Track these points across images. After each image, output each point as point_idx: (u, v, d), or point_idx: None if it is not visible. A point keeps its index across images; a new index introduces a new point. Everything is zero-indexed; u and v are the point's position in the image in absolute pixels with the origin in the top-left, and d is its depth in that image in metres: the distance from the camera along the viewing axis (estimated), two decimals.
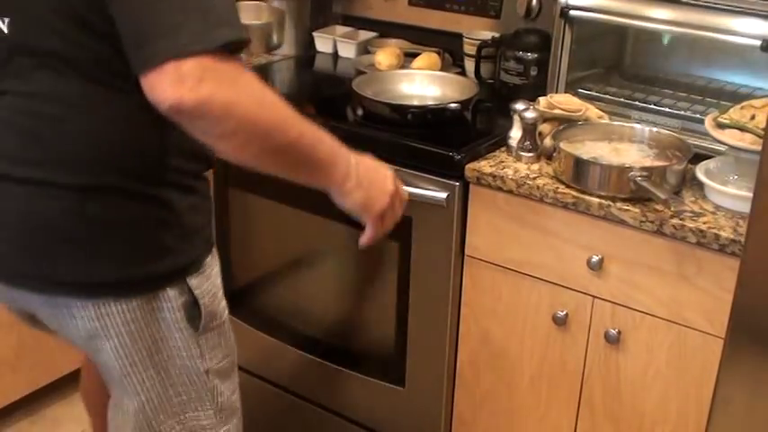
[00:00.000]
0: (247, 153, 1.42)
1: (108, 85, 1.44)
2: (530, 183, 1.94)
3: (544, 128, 2.05)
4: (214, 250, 1.67)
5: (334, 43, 2.77)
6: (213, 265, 1.66)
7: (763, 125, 1.79)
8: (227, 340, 1.73)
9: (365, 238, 1.70)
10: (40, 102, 1.46)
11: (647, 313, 1.89)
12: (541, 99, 2.06)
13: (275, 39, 2.32)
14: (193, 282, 1.59)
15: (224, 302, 1.70)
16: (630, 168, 1.83)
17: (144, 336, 1.58)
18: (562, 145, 1.93)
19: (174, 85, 1.30)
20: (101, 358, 1.62)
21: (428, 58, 2.55)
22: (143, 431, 1.67)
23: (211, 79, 1.31)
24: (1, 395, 2.74)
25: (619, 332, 1.93)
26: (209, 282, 1.63)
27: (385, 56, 2.56)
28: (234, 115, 1.35)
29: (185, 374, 1.65)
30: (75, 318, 1.56)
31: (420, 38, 2.73)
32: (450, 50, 2.65)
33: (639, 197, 1.83)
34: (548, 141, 2.02)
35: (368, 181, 1.61)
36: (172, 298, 1.57)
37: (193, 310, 1.61)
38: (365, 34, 2.82)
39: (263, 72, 2.61)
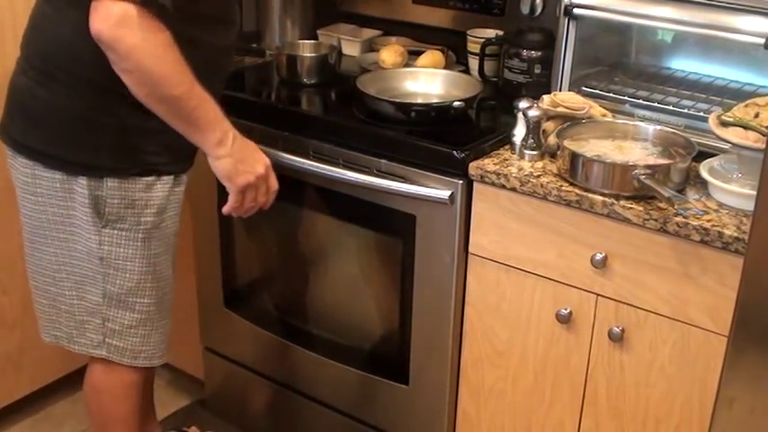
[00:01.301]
0: (140, 92, 1.79)
1: (71, 3, 1.80)
2: (533, 181, 1.94)
3: (548, 126, 2.05)
4: (166, 179, 1.97)
5: (338, 41, 2.77)
6: (149, 185, 1.95)
7: (766, 123, 1.79)
8: (137, 251, 2.00)
9: (226, 207, 2.00)
10: (42, 3, 1.91)
11: (650, 311, 1.89)
12: (545, 97, 2.06)
13: (331, 62, 2.55)
14: (110, 183, 1.92)
15: (147, 219, 1.98)
16: (634, 166, 1.83)
17: (59, 203, 1.96)
18: (566, 143, 1.93)
19: (101, 18, 1.69)
20: (25, 210, 2.03)
21: (432, 56, 2.55)
22: (51, 277, 2.07)
23: (129, 25, 1.69)
24: (4, 394, 2.75)
25: (622, 330, 1.93)
26: (131, 192, 1.94)
27: (389, 54, 2.56)
28: (133, 58, 1.73)
29: (86, 252, 1.99)
30: (17, 167, 1.99)
31: (424, 36, 2.73)
32: (454, 48, 2.65)
33: (643, 195, 1.83)
34: (551, 139, 2.02)
35: (240, 156, 1.93)
36: (85, 186, 1.92)
37: (100, 204, 1.93)
38: (369, 32, 2.82)
39: (269, 69, 2.61)
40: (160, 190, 1.97)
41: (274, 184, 2.02)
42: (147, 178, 1.94)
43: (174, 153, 1.98)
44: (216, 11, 1.94)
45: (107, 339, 2.07)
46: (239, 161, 1.92)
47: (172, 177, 1.99)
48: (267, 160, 1.98)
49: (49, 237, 2.02)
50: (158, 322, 2.10)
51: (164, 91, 1.78)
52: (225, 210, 1.99)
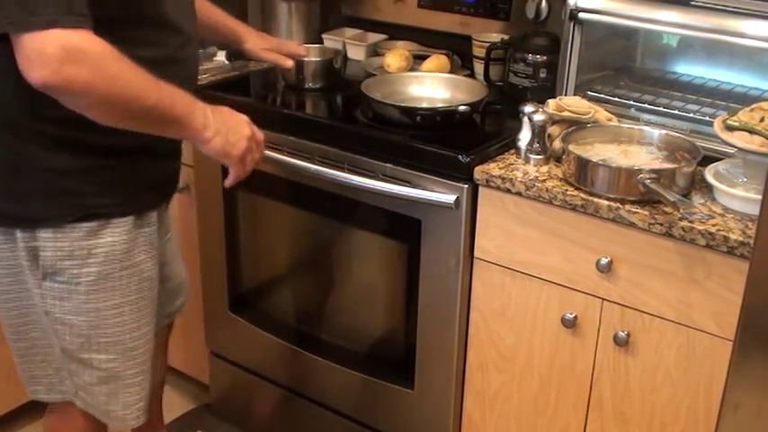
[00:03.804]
0: (113, 119, 1.63)
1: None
2: (539, 185, 1.94)
3: (553, 130, 2.05)
4: (120, 221, 1.80)
5: (344, 45, 2.77)
6: (92, 232, 1.78)
7: None
8: (81, 305, 1.83)
9: (229, 180, 1.87)
10: None
11: (656, 315, 1.89)
12: (550, 101, 2.06)
13: (336, 66, 2.55)
14: (43, 234, 1.76)
15: (90, 270, 1.80)
16: (639, 170, 1.83)
17: (6, 256, 1.82)
18: (571, 147, 1.93)
19: (38, 65, 1.49)
20: None
21: (437, 60, 2.55)
22: (16, 332, 1.92)
23: (73, 59, 1.50)
24: (10, 398, 2.75)
25: (628, 334, 1.93)
26: (68, 242, 1.77)
27: (394, 58, 2.56)
28: (92, 93, 1.55)
29: (39, 307, 1.85)
30: None
31: (429, 40, 2.73)
32: (459, 53, 2.65)
33: (648, 199, 1.83)
34: (557, 143, 2.02)
35: (225, 128, 1.78)
36: (19, 239, 1.77)
37: (38, 257, 1.78)
38: (374, 36, 2.82)
39: (274, 74, 2.62)
40: (110, 235, 1.79)
41: (260, 134, 1.88)
42: (88, 224, 1.76)
43: (128, 190, 1.80)
44: (132, 9, 1.71)
45: (79, 392, 1.94)
46: (228, 132, 1.79)
47: (131, 218, 1.82)
48: (245, 117, 1.85)
49: (4, 291, 1.87)
50: (128, 380, 1.93)
51: (137, 108, 1.62)
52: (229, 182, 1.87)
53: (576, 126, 2.03)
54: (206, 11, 2.21)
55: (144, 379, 1.96)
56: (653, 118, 2.12)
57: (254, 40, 2.34)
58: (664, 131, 2.02)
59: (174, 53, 1.81)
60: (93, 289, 1.81)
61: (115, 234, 1.80)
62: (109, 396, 1.93)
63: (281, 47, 2.39)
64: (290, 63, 2.37)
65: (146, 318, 1.92)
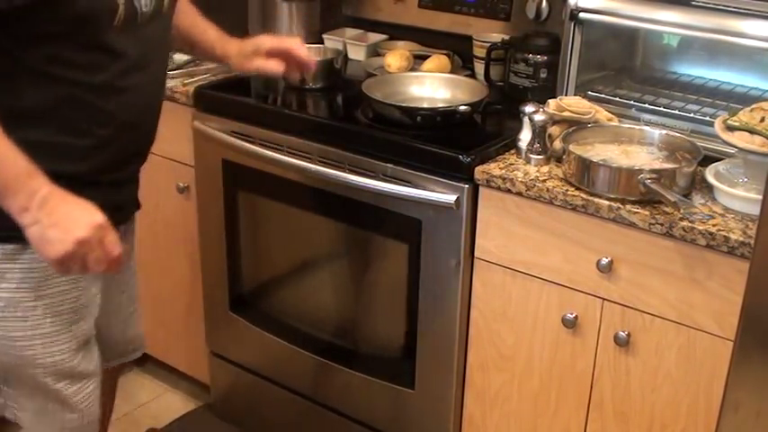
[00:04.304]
0: None
1: None
2: (539, 185, 1.94)
3: (554, 130, 2.05)
4: (32, 250, 1.64)
5: (344, 45, 2.77)
6: (8, 255, 1.68)
7: None
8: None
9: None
10: None
11: (656, 315, 1.89)
12: (551, 101, 2.06)
13: (337, 67, 2.54)
14: None
15: (0, 296, 1.71)
16: (640, 171, 1.83)
17: None
18: (572, 147, 1.93)
19: None
20: None
21: (438, 60, 2.55)
22: None
23: None
24: None
25: (628, 334, 1.93)
26: None
27: (394, 58, 2.56)
28: None
29: None
30: None
31: (430, 40, 2.73)
32: (459, 53, 2.65)
33: (649, 199, 1.83)
34: (557, 144, 2.02)
35: (50, 222, 1.53)
36: None
37: None
38: (375, 36, 2.82)
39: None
40: (27, 261, 1.69)
41: (112, 248, 1.57)
42: (5, 246, 1.67)
43: None
44: (66, 28, 1.58)
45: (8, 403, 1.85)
46: (50, 227, 1.51)
47: None
48: (97, 220, 1.54)
49: None
50: (59, 413, 1.85)
51: None
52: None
53: (576, 126, 2.03)
54: (188, 28, 2.05)
55: (87, 408, 1.88)
56: (653, 118, 2.12)
57: (234, 52, 2.07)
58: (664, 131, 2.02)
59: (114, 80, 1.67)
60: (1, 316, 1.72)
61: (33, 261, 1.69)
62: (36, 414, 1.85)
63: (279, 45, 2.06)
64: (277, 68, 2.05)
65: (66, 353, 1.81)
